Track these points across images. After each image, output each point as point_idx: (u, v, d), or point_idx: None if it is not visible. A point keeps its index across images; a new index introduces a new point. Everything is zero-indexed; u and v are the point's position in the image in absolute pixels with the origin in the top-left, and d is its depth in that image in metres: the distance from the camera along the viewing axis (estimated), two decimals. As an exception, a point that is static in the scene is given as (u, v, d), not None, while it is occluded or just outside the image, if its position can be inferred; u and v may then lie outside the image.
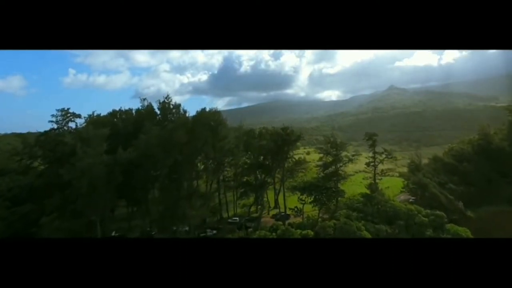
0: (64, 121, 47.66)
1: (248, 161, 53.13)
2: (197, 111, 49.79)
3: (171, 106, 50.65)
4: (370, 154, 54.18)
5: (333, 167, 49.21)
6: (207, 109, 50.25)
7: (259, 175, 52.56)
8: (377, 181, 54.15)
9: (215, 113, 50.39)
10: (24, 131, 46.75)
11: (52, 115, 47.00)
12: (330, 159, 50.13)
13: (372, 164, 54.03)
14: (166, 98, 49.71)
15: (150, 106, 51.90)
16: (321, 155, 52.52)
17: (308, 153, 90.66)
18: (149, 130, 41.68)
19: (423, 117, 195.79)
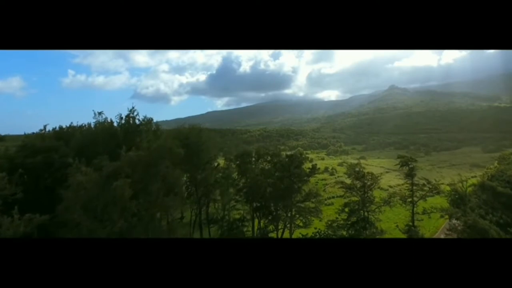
0: None
1: (241, 198, 36.73)
2: (162, 134, 33.90)
3: (137, 122, 33.19)
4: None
5: (362, 212, 34.09)
6: (186, 122, 37.33)
7: (257, 219, 36.79)
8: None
9: (194, 129, 36.97)
10: (22, 132, 39.96)
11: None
12: (356, 198, 35.20)
13: (409, 200, 38.77)
14: (131, 111, 33.47)
15: (106, 123, 33.92)
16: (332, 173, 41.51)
17: (310, 160, 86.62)
18: (83, 172, 22.05)
19: (427, 117, 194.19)
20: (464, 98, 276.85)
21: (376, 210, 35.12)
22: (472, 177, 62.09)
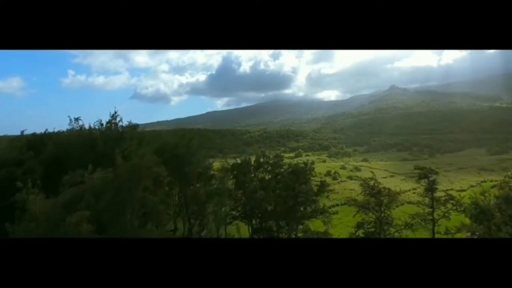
0: None
1: (238, 213, 33.08)
2: (147, 143, 29.51)
3: (120, 128, 28.82)
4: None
5: (378, 236, 28.79)
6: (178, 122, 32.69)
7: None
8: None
9: (184, 137, 34.28)
10: (23, 132, 39.19)
11: None
12: (371, 217, 29.84)
13: (430, 218, 32.00)
14: (113, 116, 28.46)
15: (84, 131, 28.73)
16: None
17: (312, 163, 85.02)
18: (33, 201, 16.86)
19: (428, 118, 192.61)
20: (465, 98, 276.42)
21: (396, 234, 29.37)
22: (482, 181, 60.40)
